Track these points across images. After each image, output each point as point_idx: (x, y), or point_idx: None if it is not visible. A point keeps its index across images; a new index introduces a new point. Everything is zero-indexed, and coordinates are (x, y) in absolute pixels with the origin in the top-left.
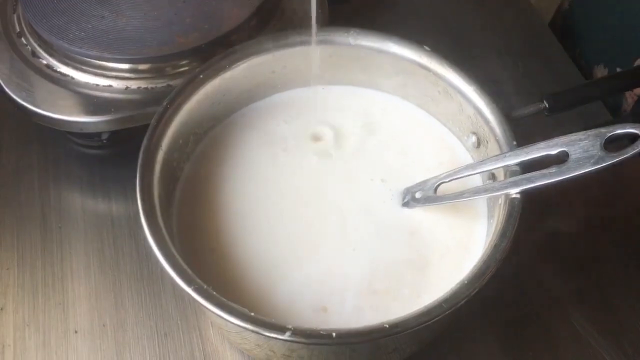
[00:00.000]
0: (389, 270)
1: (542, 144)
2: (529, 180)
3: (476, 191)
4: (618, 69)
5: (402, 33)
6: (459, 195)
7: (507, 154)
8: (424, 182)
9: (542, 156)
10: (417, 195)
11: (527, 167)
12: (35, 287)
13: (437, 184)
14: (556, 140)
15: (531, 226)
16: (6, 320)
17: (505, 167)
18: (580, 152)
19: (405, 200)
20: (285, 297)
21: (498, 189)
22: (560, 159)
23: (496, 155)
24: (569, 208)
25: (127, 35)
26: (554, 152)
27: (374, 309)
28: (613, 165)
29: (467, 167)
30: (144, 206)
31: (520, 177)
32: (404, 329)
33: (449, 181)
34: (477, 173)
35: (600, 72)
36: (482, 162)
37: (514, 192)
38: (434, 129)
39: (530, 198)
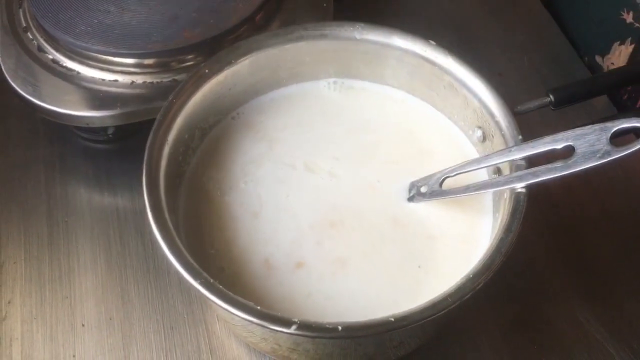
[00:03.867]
0: (392, 262)
1: (547, 139)
2: (535, 175)
3: (481, 185)
4: (597, 57)
5: (408, 27)
6: (464, 189)
7: (513, 149)
8: (429, 176)
9: (547, 150)
10: (423, 189)
11: (533, 161)
12: (42, 281)
13: (443, 178)
14: (562, 134)
15: (536, 220)
16: (13, 314)
17: (511, 162)
18: (586, 146)
19: (411, 194)
20: (288, 289)
21: (503, 184)
22: (566, 153)
23: (501, 150)
24: (574, 202)
25: (132, 30)
26: (559, 146)
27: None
28: (619, 159)
29: (473, 161)
30: (150, 200)
31: (525, 171)
32: (409, 322)
33: (454, 175)
34: (482, 167)
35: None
36: (487, 156)
37: (520, 186)
38: (440, 123)
39: (535, 192)
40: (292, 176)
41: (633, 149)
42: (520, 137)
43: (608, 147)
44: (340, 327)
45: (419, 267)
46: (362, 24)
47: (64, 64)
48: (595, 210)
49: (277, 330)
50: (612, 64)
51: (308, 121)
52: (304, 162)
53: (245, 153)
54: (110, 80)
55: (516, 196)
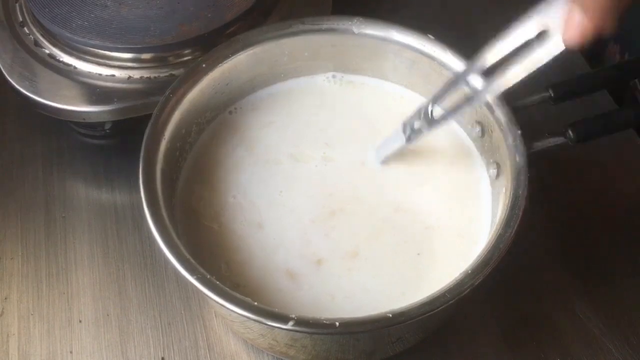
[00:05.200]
0: (391, 259)
1: (515, 25)
2: (514, 74)
3: (467, 101)
4: None
5: (406, 21)
6: (456, 108)
7: (486, 51)
8: (417, 111)
9: (523, 41)
10: (416, 125)
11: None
12: (39, 277)
13: (430, 108)
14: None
15: (536, 216)
16: (10, 310)
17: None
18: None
19: (407, 134)
20: (314, 293)
21: (486, 91)
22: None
23: (473, 58)
24: (573, 198)
25: (129, 24)
26: (532, 31)
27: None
28: None
29: (451, 81)
30: (147, 196)
31: (502, 73)
32: (407, 318)
33: (441, 101)
34: (462, 83)
35: None
36: (463, 71)
37: (495, 92)
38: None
39: (535, 188)
40: (278, 172)
41: None
42: (519, 131)
43: None
44: (337, 323)
45: (418, 254)
46: (360, 19)
47: (61, 59)
48: (595, 206)
49: (274, 327)
50: None
51: (305, 116)
52: (290, 154)
53: (226, 159)
54: (107, 75)
55: (515, 192)
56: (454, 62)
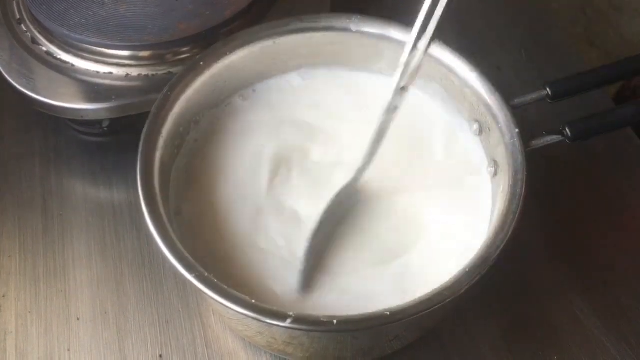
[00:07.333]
0: (388, 252)
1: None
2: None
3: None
4: None
5: (404, 19)
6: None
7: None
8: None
9: None
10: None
11: None
12: (37, 275)
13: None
14: None
15: (534, 215)
16: (8, 308)
17: None
18: None
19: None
20: (286, 281)
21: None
22: None
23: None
24: (572, 197)
25: (127, 22)
26: None
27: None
28: None
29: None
30: (145, 193)
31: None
32: (405, 316)
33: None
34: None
35: None
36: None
37: None
38: (436, 115)
39: (533, 187)
40: (284, 161)
41: None
42: (517, 130)
43: None
44: (335, 321)
45: (415, 252)
46: (359, 16)
47: (59, 57)
48: (592, 204)
49: (272, 324)
50: None
51: (302, 113)
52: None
53: (240, 143)
54: (105, 73)
55: (513, 190)
56: (452, 61)
